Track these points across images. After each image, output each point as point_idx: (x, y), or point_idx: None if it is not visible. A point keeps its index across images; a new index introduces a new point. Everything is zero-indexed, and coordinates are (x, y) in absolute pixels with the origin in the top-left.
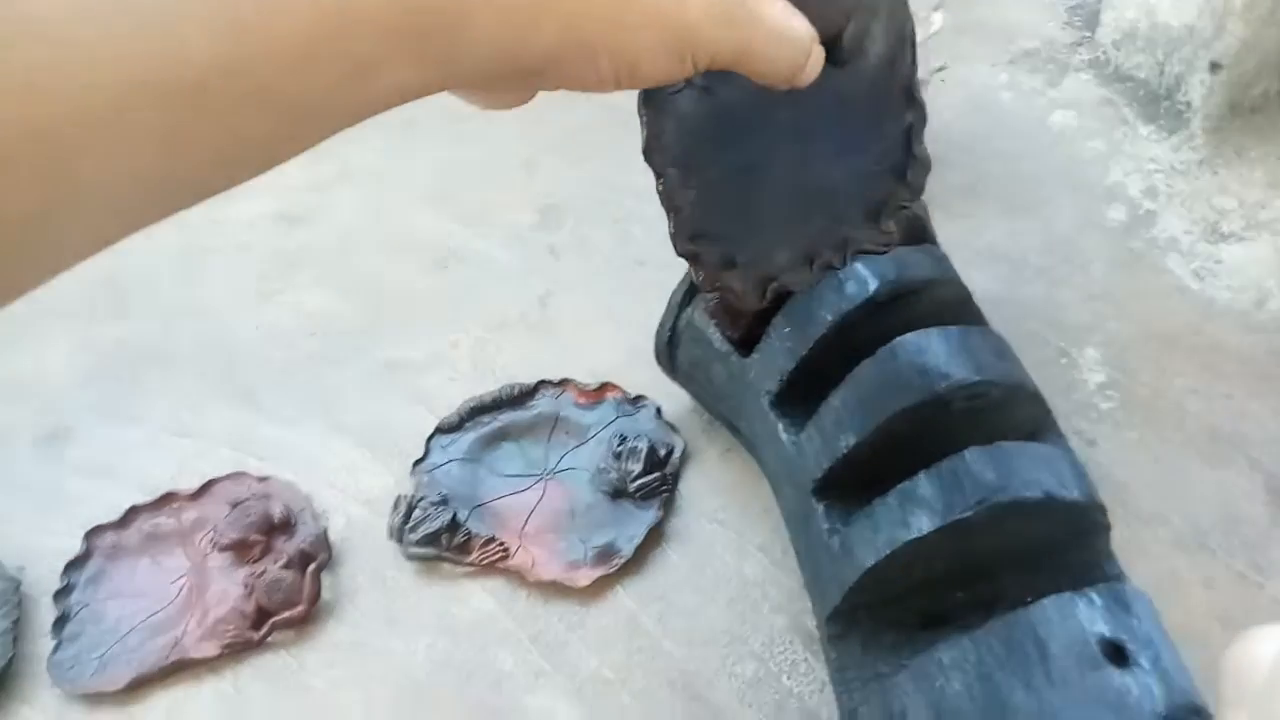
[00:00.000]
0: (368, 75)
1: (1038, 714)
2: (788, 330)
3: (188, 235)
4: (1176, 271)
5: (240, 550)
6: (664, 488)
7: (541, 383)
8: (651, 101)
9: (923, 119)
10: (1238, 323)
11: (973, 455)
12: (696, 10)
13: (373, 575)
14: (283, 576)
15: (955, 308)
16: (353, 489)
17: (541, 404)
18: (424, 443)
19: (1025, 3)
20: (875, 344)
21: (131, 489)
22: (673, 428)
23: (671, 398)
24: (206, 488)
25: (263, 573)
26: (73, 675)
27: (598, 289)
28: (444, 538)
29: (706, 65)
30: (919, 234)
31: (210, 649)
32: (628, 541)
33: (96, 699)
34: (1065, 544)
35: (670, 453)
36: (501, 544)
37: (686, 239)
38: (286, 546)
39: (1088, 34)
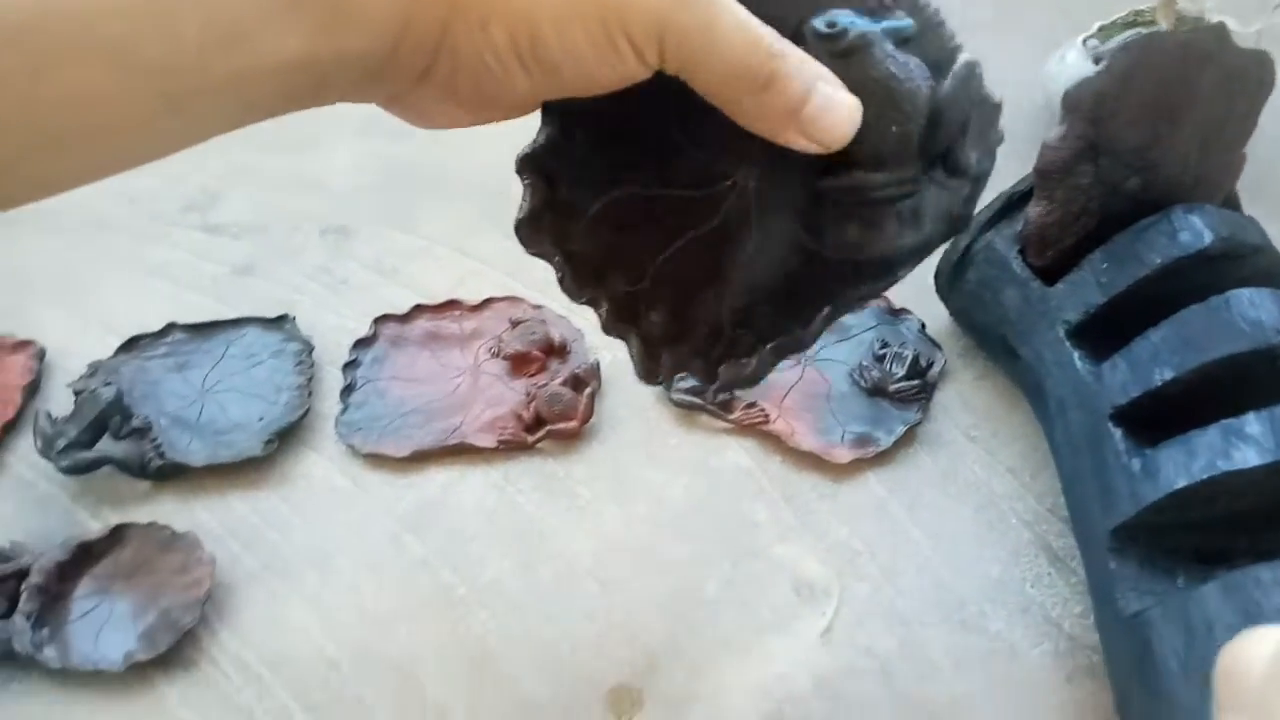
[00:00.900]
0: (239, 41)
1: None
2: (1105, 266)
3: None
4: None
5: (520, 363)
6: (922, 395)
7: None
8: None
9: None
10: None
11: None
12: None
13: (636, 413)
14: (561, 392)
15: (1276, 279)
16: None
17: None
18: None
19: None
20: (1191, 295)
21: (412, 292)
22: (935, 344)
23: (932, 316)
24: (486, 303)
25: (543, 385)
26: (359, 437)
27: None
28: (709, 391)
29: (653, 57)
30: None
31: (487, 441)
32: (886, 434)
33: (378, 460)
34: None
35: (931, 365)
36: (762, 410)
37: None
38: (562, 368)
39: None
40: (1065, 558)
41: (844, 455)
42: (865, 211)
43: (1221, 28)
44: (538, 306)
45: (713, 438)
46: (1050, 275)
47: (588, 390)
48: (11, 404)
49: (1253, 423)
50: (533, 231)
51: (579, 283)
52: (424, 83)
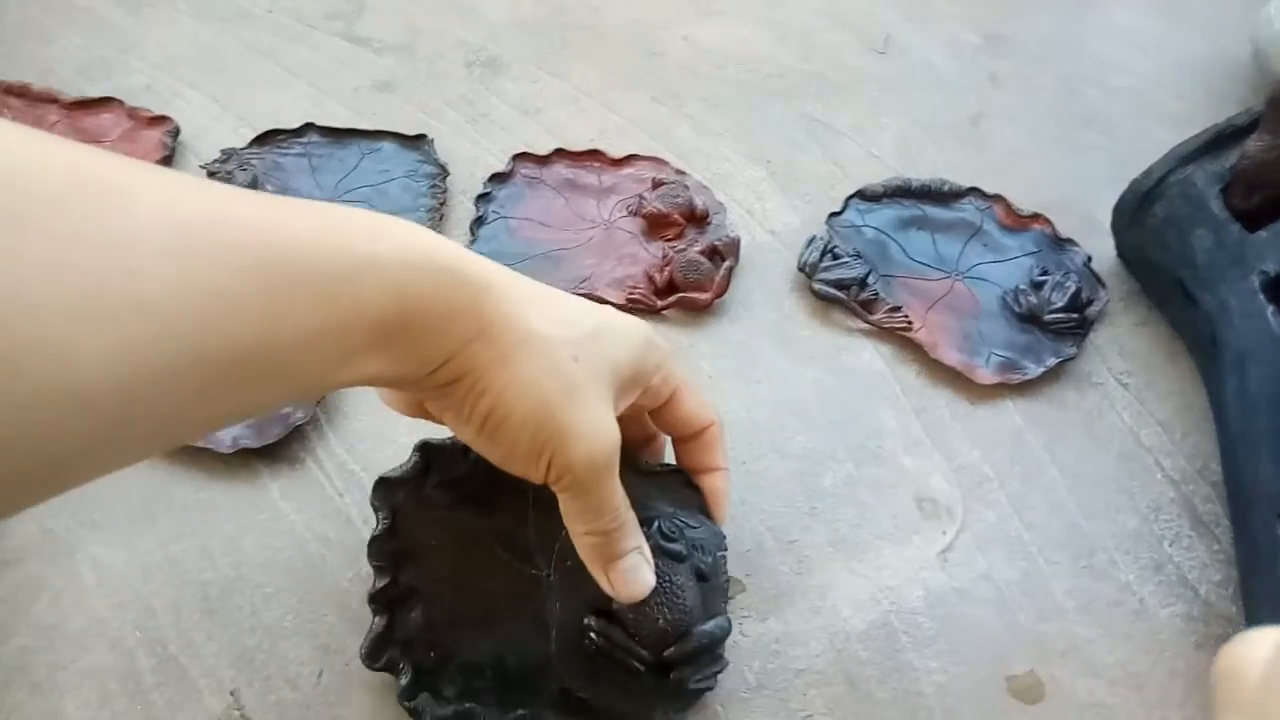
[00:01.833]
0: (351, 363)
1: None
2: None
3: None
4: None
5: (657, 224)
6: (1079, 330)
7: (974, 189)
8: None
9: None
10: None
11: None
12: (573, 427)
13: (772, 297)
14: (700, 260)
15: None
16: (760, 214)
17: (966, 210)
18: (841, 200)
19: None
20: None
21: (553, 136)
22: (1099, 280)
23: (1098, 251)
24: (629, 159)
25: (681, 250)
26: None
27: (1034, 131)
28: (853, 288)
29: (554, 482)
30: None
31: (616, 297)
32: (1035, 364)
33: None
34: None
35: (1092, 302)
36: (906, 315)
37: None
38: (700, 238)
39: None
40: (1209, 523)
41: (987, 377)
42: (600, 660)
43: None
44: (680, 172)
45: (848, 335)
46: (1253, 220)
47: (726, 264)
48: None
49: None
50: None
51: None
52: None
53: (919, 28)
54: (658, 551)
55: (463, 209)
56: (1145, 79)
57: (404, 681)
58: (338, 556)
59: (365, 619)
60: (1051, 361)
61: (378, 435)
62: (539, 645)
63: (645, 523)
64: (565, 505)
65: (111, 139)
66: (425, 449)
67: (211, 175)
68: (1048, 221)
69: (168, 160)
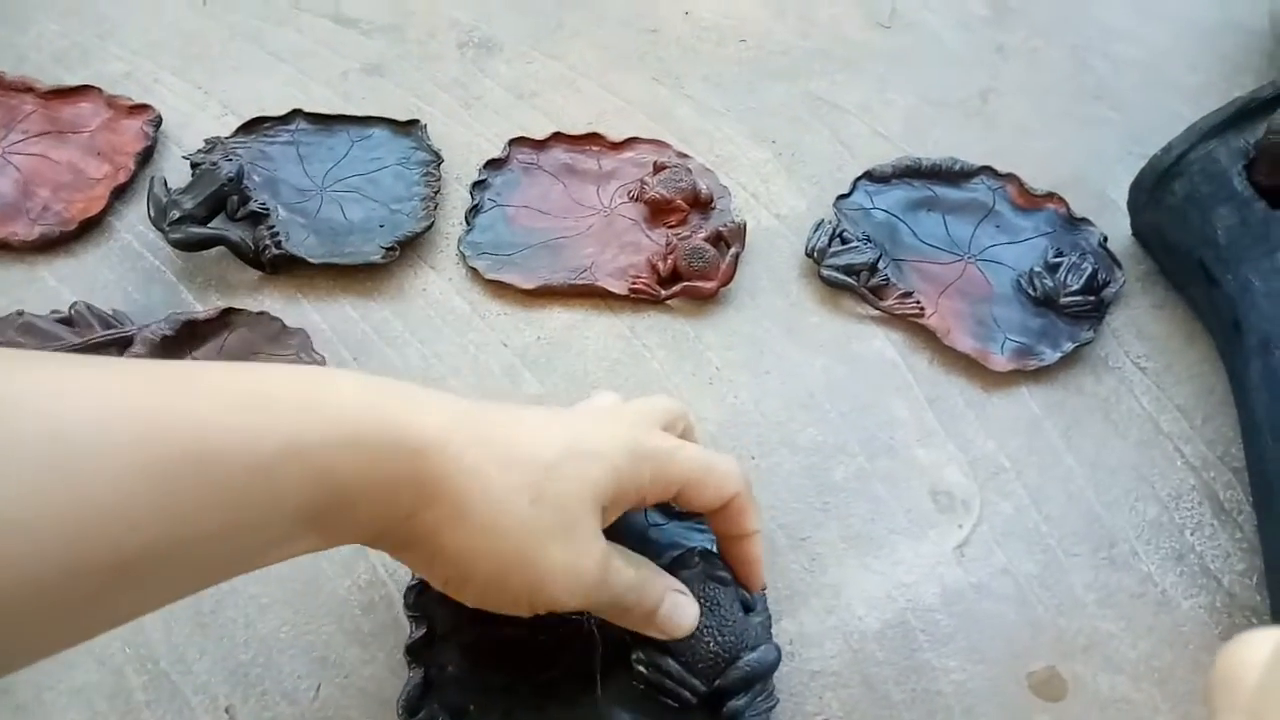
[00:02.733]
0: (277, 548)
1: None
2: None
3: None
4: None
5: (660, 211)
6: (1095, 313)
7: (986, 168)
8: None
9: None
10: None
11: None
12: (548, 570)
13: (779, 284)
14: (704, 248)
15: None
16: (765, 198)
17: (978, 190)
18: (849, 182)
19: None
20: None
21: (550, 120)
22: (1115, 261)
23: (1113, 231)
24: (629, 143)
25: (685, 237)
26: (483, 261)
27: (1044, 105)
28: (863, 274)
29: (544, 610)
30: None
31: (618, 287)
32: (1051, 349)
33: (501, 289)
34: None
35: (1108, 283)
36: (918, 301)
37: None
38: (704, 224)
39: None
40: (1232, 510)
41: (1002, 364)
42: (651, 697)
43: None
44: (683, 155)
45: (859, 323)
46: (1278, 197)
47: (732, 251)
48: (124, 169)
49: None
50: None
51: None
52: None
53: (925, 0)
54: (704, 577)
55: (458, 197)
56: (1156, 50)
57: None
58: (335, 565)
59: (363, 630)
60: (1068, 347)
61: None
62: (583, 693)
63: (686, 556)
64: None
65: (90, 129)
66: None
67: (195, 166)
68: (1062, 201)
69: (149, 152)
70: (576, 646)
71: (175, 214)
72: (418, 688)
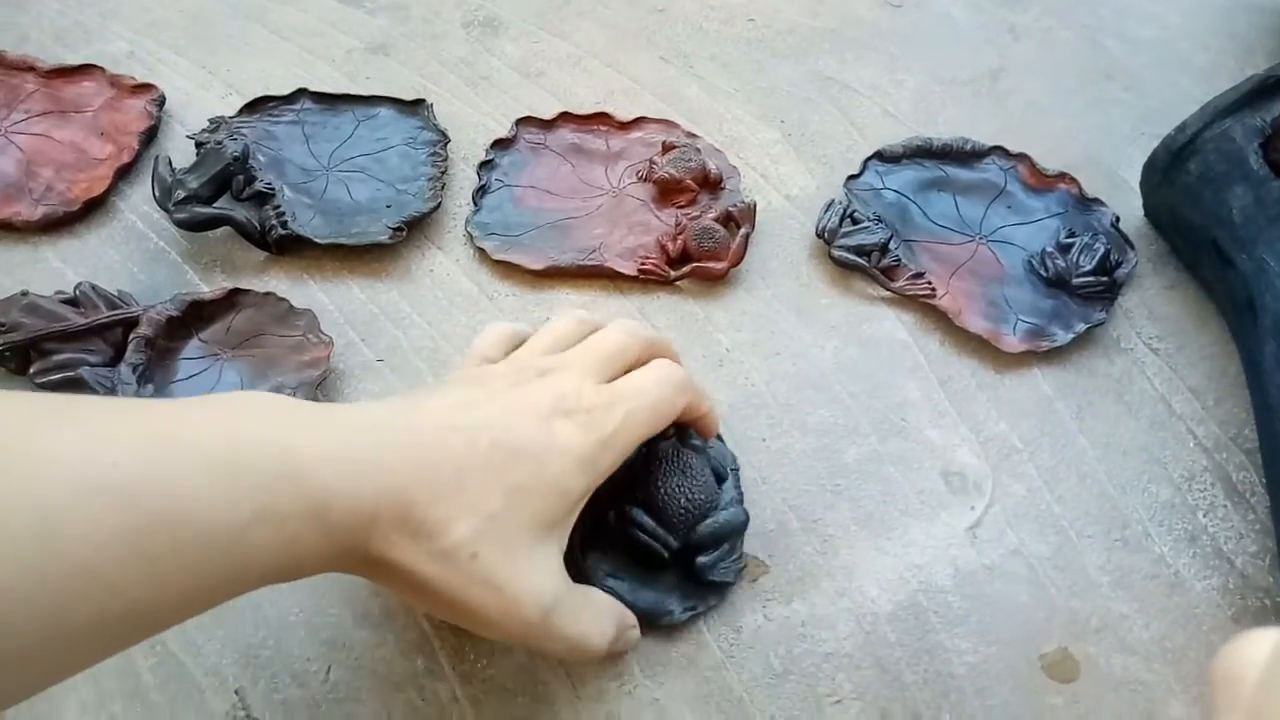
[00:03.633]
0: (233, 595)
1: None
2: None
3: None
4: None
5: (669, 191)
6: (1108, 294)
7: (997, 148)
8: None
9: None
10: None
11: None
12: (494, 613)
13: (789, 265)
14: (715, 228)
15: None
16: (775, 178)
17: (989, 171)
18: (859, 162)
19: None
20: None
21: (557, 99)
22: (1128, 241)
23: (1126, 211)
24: (637, 122)
25: (695, 218)
26: (491, 242)
27: (1056, 85)
28: (874, 254)
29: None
30: None
31: (627, 268)
32: (1063, 330)
33: (509, 270)
34: None
35: (1121, 264)
36: (930, 282)
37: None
38: (714, 204)
39: None
40: (1244, 492)
41: (1014, 345)
42: (626, 550)
43: None
44: (692, 135)
45: (870, 304)
46: None
47: (742, 231)
48: (128, 149)
49: None
50: None
51: None
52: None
53: None
54: (678, 445)
55: (465, 177)
56: (1169, 29)
57: None
58: None
59: (374, 612)
60: (1081, 328)
61: None
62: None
63: (665, 432)
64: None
65: (93, 108)
66: None
67: (199, 146)
68: (1074, 181)
69: (153, 131)
70: None
71: (180, 194)
72: None
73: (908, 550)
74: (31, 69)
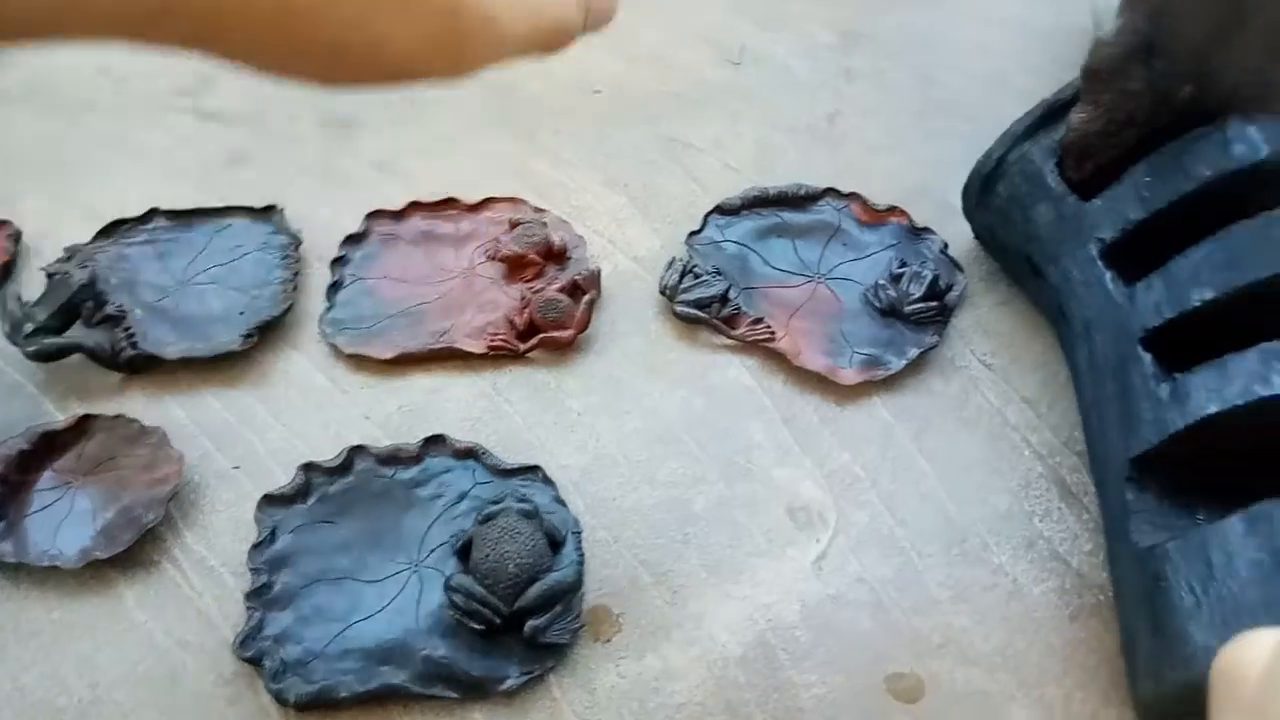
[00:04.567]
0: None
1: None
2: (1148, 180)
3: None
4: None
5: (516, 266)
6: (939, 318)
7: (829, 190)
8: None
9: None
10: None
11: None
12: None
13: (636, 324)
14: (558, 298)
15: None
16: (622, 242)
17: (824, 212)
18: (701, 217)
19: None
20: (1240, 215)
21: (410, 189)
22: (957, 265)
23: (955, 237)
24: (485, 204)
25: (539, 290)
26: (343, 337)
27: (890, 121)
28: (714, 306)
29: None
30: None
31: (477, 346)
32: (897, 357)
33: (361, 362)
34: None
35: (951, 288)
36: (768, 326)
37: None
38: (560, 274)
39: None
40: (1078, 493)
41: (851, 377)
42: (462, 621)
43: None
44: (539, 210)
45: (715, 353)
46: (1088, 190)
47: (586, 298)
48: None
49: None
50: None
51: None
52: None
53: (774, 34)
54: (510, 512)
55: (319, 275)
56: (997, 58)
57: (269, 667)
58: (199, 661)
59: None
60: (914, 353)
61: (237, 525)
62: (405, 625)
63: (498, 498)
64: None
65: None
66: (308, 468)
67: (50, 276)
68: (904, 213)
69: (8, 267)
70: (399, 586)
71: (29, 327)
72: (253, 629)
73: (756, 591)
74: None
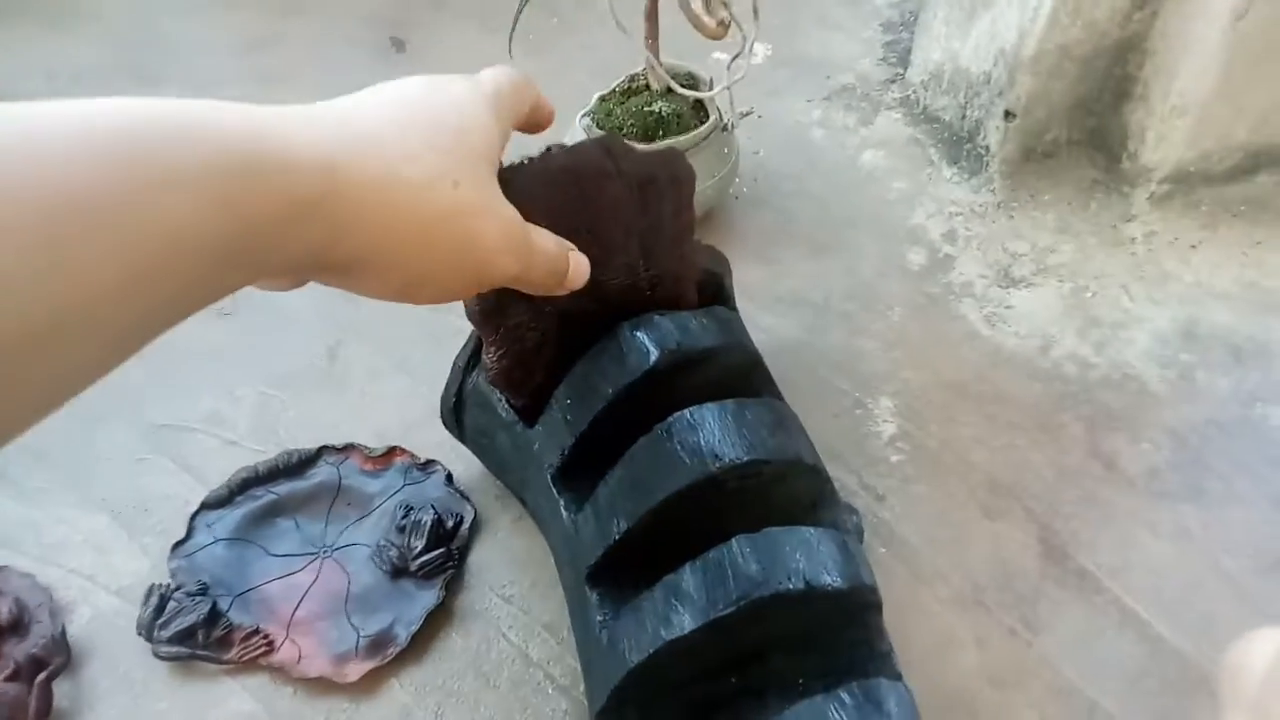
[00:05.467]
0: (202, 287)
1: None
2: (569, 402)
3: None
4: (970, 317)
5: None
6: (449, 564)
7: (324, 449)
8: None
9: None
10: (1022, 370)
11: (739, 544)
12: (492, 239)
13: (119, 679)
14: (5, 690)
15: (742, 374)
16: (103, 575)
17: (322, 472)
18: (187, 521)
19: (844, 36)
20: (657, 416)
21: None
22: (463, 495)
23: (466, 460)
24: None
25: None
26: None
27: (393, 337)
28: (200, 633)
29: (490, 286)
30: (715, 292)
31: None
32: (405, 628)
33: None
34: (836, 625)
35: (459, 524)
36: (265, 636)
37: None
38: (14, 652)
39: (900, 71)
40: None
41: (358, 670)
42: None
43: (614, 140)
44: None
45: (212, 686)
46: (534, 414)
47: (43, 675)
48: None
49: (688, 577)
50: None
51: None
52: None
53: None
54: None
55: None
56: None
57: None
58: None
59: None
60: (420, 617)
61: None
62: None
63: None
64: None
65: None
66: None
67: None
68: (405, 451)
69: None
70: None
71: None
72: None
73: None
74: None
